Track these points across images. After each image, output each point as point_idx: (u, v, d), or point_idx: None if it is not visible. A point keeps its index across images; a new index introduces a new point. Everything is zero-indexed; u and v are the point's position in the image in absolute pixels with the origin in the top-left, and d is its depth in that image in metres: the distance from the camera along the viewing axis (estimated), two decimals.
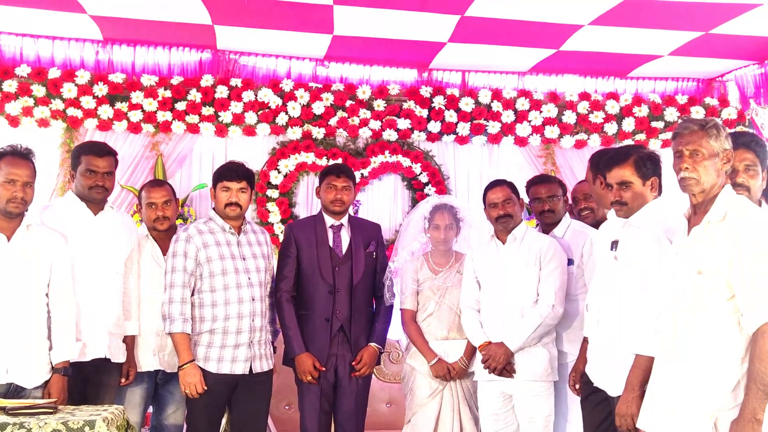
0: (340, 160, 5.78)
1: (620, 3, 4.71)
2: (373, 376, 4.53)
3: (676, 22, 5.11)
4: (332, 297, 4.24)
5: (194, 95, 5.70)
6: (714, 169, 2.79)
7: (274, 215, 5.87)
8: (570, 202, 4.60)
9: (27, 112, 5.52)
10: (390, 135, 5.96)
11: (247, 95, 5.76)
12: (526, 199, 4.61)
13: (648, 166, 3.38)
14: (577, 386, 3.79)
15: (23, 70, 5.51)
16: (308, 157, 5.90)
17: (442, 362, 4.22)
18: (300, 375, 4.22)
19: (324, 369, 4.19)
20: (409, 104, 5.98)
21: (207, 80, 5.73)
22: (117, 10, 5.10)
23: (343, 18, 5.19)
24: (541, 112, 6.08)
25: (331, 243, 4.32)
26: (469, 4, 4.94)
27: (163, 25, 5.36)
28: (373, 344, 4.31)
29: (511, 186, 4.25)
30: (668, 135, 6.05)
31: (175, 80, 5.71)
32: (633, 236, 3.33)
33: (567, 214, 4.45)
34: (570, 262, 4.15)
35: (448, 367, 4.21)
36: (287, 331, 4.23)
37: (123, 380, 4.06)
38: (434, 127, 6.00)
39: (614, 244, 3.43)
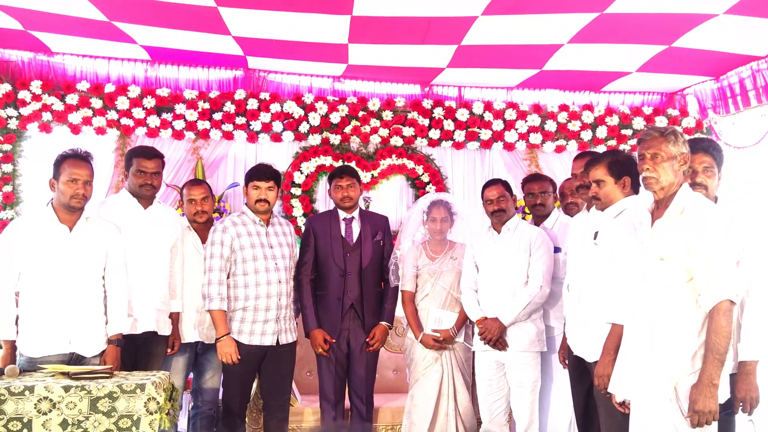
0: (353, 163, 5.77)
1: (594, 18, 4.66)
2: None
3: (642, 36, 5.04)
4: (343, 279, 4.25)
5: (229, 107, 5.69)
6: (672, 169, 2.79)
7: (297, 210, 5.87)
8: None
9: (86, 121, 5.52)
10: (396, 141, 5.94)
11: (274, 107, 5.75)
12: (520, 195, 4.59)
13: (620, 167, 3.38)
14: (567, 361, 3.79)
15: (83, 86, 5.52)
16: (326, 160, 5.89)
17: (427, 336, 4.23)
18: (313, 347, 4.26)
19: (334, 341, 4.21)
20: (413, 115, 5.96)
21: (240, 94, 5.72)
22: (163, 41, 5.11)
23: (356, 51, 5.24)
24: (526, 121, 6.05)
25: (343, 233, 4.33)
26: (464, 34, 4.93)
27: (203, 54, 5.39)
28: (383, 323, 4.33)
29: (505, 184, 4.25)
30: (636, 141, 6.02)
31: (213, 94, 5.70)
32: (610, 227, 3.33)
33: (556, 208, 4.44)
34: (557, 249, 4.14)
35: (433, 338, 4.22)
36: (304, 310, 4.25)
37: (169, 350, 4.07)
38: (434, 134, 5.98)
39: (596, 234, 3.43)
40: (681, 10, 4.52)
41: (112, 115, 5.53)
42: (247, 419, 4.34)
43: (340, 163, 5.78)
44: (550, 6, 4.51)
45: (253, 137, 5.79)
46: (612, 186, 3.36)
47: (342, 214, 4.35)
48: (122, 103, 5.53)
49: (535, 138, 6.06)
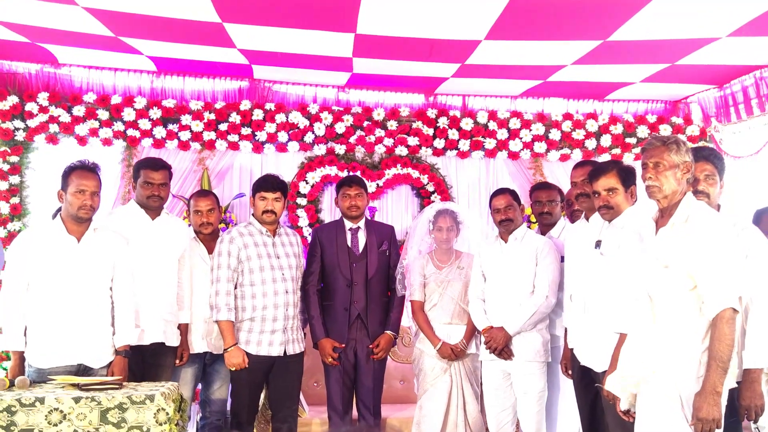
0: (358, 173, 5.81)
1: (598, 45, 4.73)
2: (389, 357, 4.56)
3: (645, 57, 5.15)
4: (350, 289, 4.28)
5: (234, 118, 5.75)
6: (674, 178, 2.82)
7: (303, 220, 5.91)
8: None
9: (93, 132, 5.58)
10: (401, 150, 5.99)
11: (280, 117, 5.80)
12: (527, 203, 4.62)
13: (628, 176, 3.43)
14: (570, 371, 3.82)
15: (90, 97, 5.58)
16: (331, 170, 5.93)
17: (446, 345, 4.25)
18: (322, 357, 4.28)
19: (343, 346, 4.24)
20: (418, 124, 6.01)
21: (245, 105, 5.78)
22: (168, 52, 5.18)
23: (360, 63, 5.31)
24: (530, 130, 6.08)
25: (349, 243, 4.36)
26: (468, 56, 4.99)
27: (209, 63, 5.45)
28: (388, 332, 4.36)
29: (513, 194, 4.28)
30: (639, 150, 6.06)
31: (219, 105, 5.76)
32: (616, 235, 3.36)
33: (563, 217, 4.47)
34: (563, 259, 4.17)
35: (451, 348, 4.25)
36: (312, 320, 4.28)
37: (178, 361, 4.09)
38: (439, 143, 6.03)
39: (598, 243, 3.46)
40: (683, 36, 4.59)
41: (119, 126, 5.59)
42: (255, 429, 4.37)
43: (345, 173, 5.82)
44: (553, 34, 4.59)
45: (258, 147, 5.85)
46: (623, 195, 3.41)
47: (348, 224, 4.39)
48: (128, 114, 5.59)
49: (540, 147, 6.10)
